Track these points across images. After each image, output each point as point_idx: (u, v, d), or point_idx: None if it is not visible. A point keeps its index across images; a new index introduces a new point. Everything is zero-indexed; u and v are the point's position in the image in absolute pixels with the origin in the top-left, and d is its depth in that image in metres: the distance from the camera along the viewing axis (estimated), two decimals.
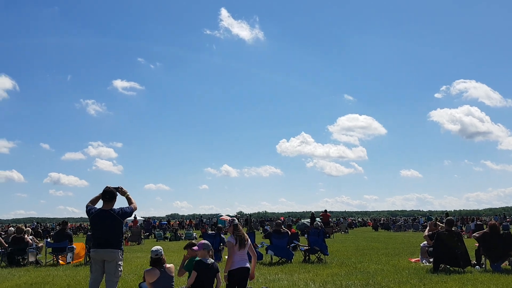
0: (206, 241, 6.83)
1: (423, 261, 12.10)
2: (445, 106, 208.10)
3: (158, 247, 6.40)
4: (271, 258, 13.05)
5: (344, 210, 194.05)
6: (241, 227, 7.08)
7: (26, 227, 17.29)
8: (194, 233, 30.41)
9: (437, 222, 13.40)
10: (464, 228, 33.15)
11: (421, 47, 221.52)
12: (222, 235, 13.86)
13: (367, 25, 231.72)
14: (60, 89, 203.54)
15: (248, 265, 6.70)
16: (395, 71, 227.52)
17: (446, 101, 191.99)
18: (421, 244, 12.76)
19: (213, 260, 6.58)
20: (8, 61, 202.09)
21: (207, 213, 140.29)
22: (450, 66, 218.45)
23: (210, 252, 6.66)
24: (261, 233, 31.05)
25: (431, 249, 11.58)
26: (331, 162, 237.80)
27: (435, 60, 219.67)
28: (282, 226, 14.62)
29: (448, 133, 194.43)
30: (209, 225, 44.94)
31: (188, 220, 60.62)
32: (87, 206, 6.43)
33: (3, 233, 16.98)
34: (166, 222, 46.59)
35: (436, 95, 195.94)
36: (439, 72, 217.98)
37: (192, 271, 6.47)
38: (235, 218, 7.27)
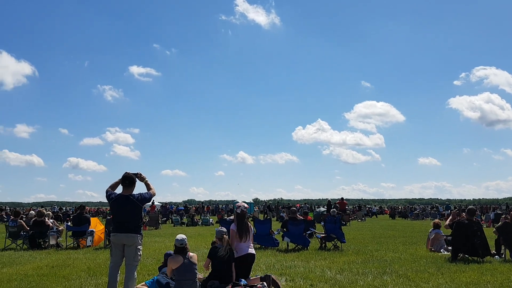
0: (219, 228, 6.98)
1: (441, 250, 12.04)
2: (465, 93, 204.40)
3: (183, 236, 6.49)
4: (287, 245, 13.13)
5: (360, 198, 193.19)
6: (245, 216, 7.24)
7: (46, 211, 17.68)
8: (211, 219, 30.70)
9: (459, 212, 13.30)
10: (483, 217, 32.79)
11: (440, 33, 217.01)
12: None
13: (385, 10, 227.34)
14: (78, 75, 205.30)
15: (252, 250, 6.99)
16: (413, 57, 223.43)
17: (466, 88, 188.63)
18: (433, 231, 12.69)
19: (228, 247, 6.69)
20: (28, 48, 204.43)
21: (223, 200, 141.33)
22: (470, 53, 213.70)
23: (225, 238, 6.75)
24: (276, 220, 31.20)
25: (449, 238, 11.52)
26: (348, 150, 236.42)
27: (454, 46, 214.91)
28: (297, 214, 14.69)
29: (468, 121, 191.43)
30: (225, 211, 45.31)
31: (206, 206, 61.12)
32: (107, 191, 6.54)
33: (24, 216, 17.38)
34: (183, 208, 47.10)
35: (455, 82, 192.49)
36: (458, 58, 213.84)
37: (207, 258, 6.66)
38: (241, 205, 7.36)
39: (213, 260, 6.63)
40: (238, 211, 7.31)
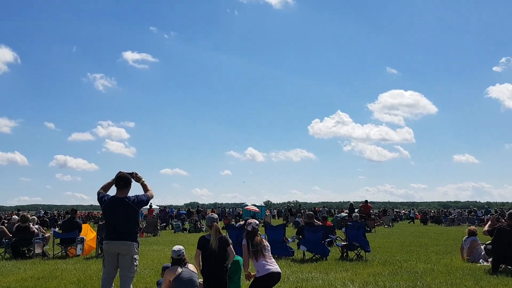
0: (210, 215, 7.08)
1: (480, 261, 11.97)
2: (506, 81, 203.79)
3: (180, 247, 6.57)
4: (304, 255, 13.13)
5: (387, 201, 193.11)
6: (257, 234, 7.18)
7: (31, 215, 17.87)
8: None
9: (499, 217, 13.21)
10: None
11: (478, 12, 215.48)
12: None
13: None
14: (65, 62, 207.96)
15: (276, 268, 6.87)
16: (447, 40, 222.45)
17: (507, 75, 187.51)
18: (469, 239, 12.63)
19: (218, 236, 6.79)
20: (9, 31, 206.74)
21: (230, 202, 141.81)
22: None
23: (215, 225, 6.82)
24: (292, 226, 31.21)
25: (489, 246, 11.45)
26: (372, 145, 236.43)
27: (494, 27, 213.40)
28: (314, 219, 14.68)
29: (510, 112, 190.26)
30: (232, 215, 45.40)
31: (210, 210, 61.41)
32: (98, 193, 6.58)
33: (6, 221, 17.60)
34: (184, 212, 47.30)
35: (495, 68, 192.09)
36: (499, 41, 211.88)
37: (196, 249, 6.79)
38: (252, 222, 7.29)
39: (203, 252, 6.74)
40: (249, 228, 7.22)
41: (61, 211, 61.86)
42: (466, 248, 12.58)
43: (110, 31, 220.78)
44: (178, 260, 6.50)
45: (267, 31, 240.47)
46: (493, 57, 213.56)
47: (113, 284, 6.42)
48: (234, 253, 7.00)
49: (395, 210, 66.23)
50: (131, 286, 6.38)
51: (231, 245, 6.92)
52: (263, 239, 7.21)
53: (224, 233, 7.50)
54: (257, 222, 7.43)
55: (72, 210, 16.39)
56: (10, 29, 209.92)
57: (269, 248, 7.16)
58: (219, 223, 7.49)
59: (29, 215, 15.71)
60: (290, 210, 40.27)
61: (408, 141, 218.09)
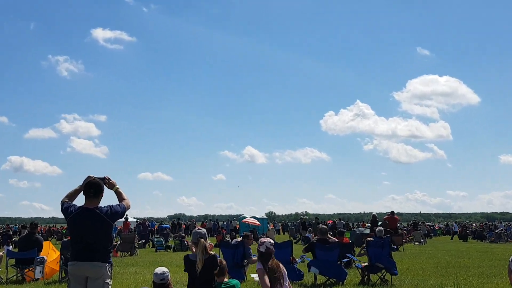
0: (196, 229, 7.12)
1: None
2: None
3: (164, 269, 6.61)
4: (315, 278, 13.15)
5: (418, 212, 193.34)
6: (272, 256, 7.14)
7: None
8: (208, 241, 30.77)
9: None
10: None
11: None
12: (248, 246, 13.91)
13: None
14: (21, 42, 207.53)
15: None
16: (491, 14, 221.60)
17: None
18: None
19: (205, 255, 6.88)
20: None
21: (224, 214, 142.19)
22: None
23: (201, 242, 6.85)
24: (300, 243, 31.22)
25: None
26: (399, 144, 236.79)
27: None
28: (329, 234, 14.67)
29: None
30: (227, 230, 45.46)
31: (199, 224, 61.51)
32: (63, 203, 6.57)
33: None
34: (168, 226, 47.37)
35: None
36: None
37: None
38: (265, 241, 7.27)
39: (188, 275, 6.81)
40: (262, 249, 7.17)
41: (16, 225, 62.01)
42: None
43: (76, 4, 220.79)
44: (161, 285, 6.53)
45: (272, 3, 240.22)
46: None
47: None
48: (224, 280, 7.05)
49: (427, 223, 66.27)
50: None
51: (223, 271, 6.95)
52: (280, 264, 7.16)
53: (216, 252, 7.53)
54: (272, 241, 7.35)
55: (31, 224, 16.40)
56: None
57: (287, 275, 7.14)
58: (209, 239, 7.49)
59: None
60: (304, 224, 39.42)
61: (444, 138, 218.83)
